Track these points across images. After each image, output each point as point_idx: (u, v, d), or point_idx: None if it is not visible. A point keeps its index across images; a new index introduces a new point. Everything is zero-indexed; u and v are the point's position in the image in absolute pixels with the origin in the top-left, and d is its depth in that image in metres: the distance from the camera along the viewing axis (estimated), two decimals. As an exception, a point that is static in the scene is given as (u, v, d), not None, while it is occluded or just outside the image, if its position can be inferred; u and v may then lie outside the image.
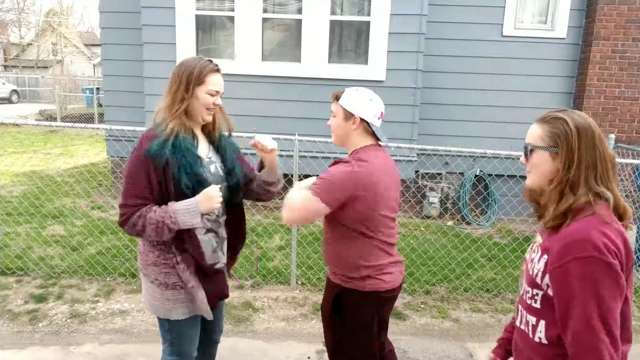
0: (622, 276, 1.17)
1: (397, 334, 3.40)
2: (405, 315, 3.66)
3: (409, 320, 3.60)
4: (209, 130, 2.00)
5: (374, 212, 1.88)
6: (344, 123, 1.93)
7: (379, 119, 1.95)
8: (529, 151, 1.36)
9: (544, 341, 1.32)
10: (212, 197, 1.80)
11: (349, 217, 1.88)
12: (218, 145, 2.01)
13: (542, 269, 1.30)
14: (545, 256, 1.29)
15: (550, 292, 1.27)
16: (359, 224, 1.89)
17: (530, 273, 1.35)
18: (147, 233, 1.79)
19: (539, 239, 1.42)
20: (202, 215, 1.83)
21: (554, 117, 1.32)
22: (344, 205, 1.85)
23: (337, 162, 1.92)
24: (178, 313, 1.94)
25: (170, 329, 1.99)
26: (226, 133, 2.07)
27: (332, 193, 1.81)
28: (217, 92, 1.89)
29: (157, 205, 1.81)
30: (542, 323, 1.32)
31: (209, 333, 2.23)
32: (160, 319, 2.00)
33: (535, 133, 1.35)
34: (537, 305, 1.33)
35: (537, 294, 1.32)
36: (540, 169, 1.34)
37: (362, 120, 1.90)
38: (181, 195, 1.80)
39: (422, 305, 3.84)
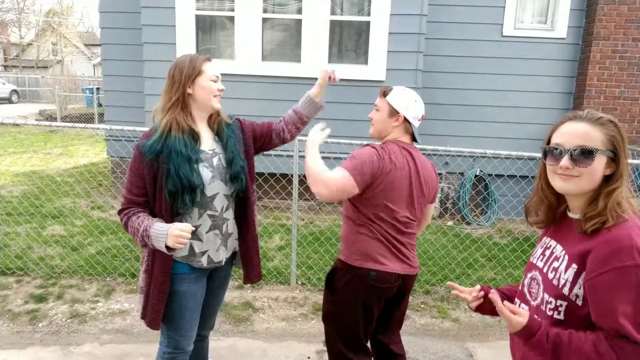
0: None
1: (397, 334, 3.41)
2: (406, 315, 3.66)
3: (409, 320, 3.60)
4: (213, 121, 2.01)
5: (386, 201, 1.94)
6: (387, 119, 2.01)
7: (418, 120, 2.05)
8: (595, 154, 1.23)
9: None
10: (174, 235, 1.70)
11: (363, 200, 1.95)
12: (221, 136, 2.01)
13: (571, 279, 1.24)
14: (575, 265, 1.23)
15: (578, 302, 1.22)
16: (370, 209, 1.96)
17: (555, 283, 1.28)
18: (128, 231, 1.87)
19: (553, 244, 1.36)
20: (168, 247, 1.74)
21: (609, 120, 1.26)
22: (366, 188, 1.92)
23: (365, 145, 2.00)
24: None
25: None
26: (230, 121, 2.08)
27: (363, 174, 1.88)
28: (218, 77, 1.93)
29: (146, 212, 1.86)
30: None
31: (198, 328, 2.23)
32: None
33: (594, 135, 1.24)
34: (561, 317, 1.26)
35: (561, 305, 1.26)
36: (596, 175, 1.25)
37: (405, 119, 2.00)
38: (168, 197, 1.83)
39: (422, 305, 3.84)
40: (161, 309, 1.93)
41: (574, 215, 1.34)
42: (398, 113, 1.98)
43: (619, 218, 1.21)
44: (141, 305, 2.00)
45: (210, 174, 1.90)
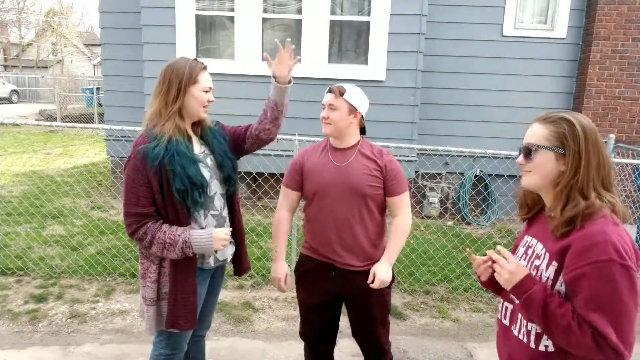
0: (637, 278, 1.17)
1: (397, 333, 3.40)
2: (405, 315, 3.66)
3: (409, 320, 3.60)
4: (197, 126, 2.04)
5: None
6: (347, 117, 2.08)
7: (365, 114, 2.20)
8: (533, 151, 1.32)
9: (551, 349, 1.29)
10: (220, 239, 1.87)
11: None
12: (206, 139, 2.05)
13: (552, 277, 1.27)
14: (555, 263, 1.26)
15: (561, 299, 1.24)
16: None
17: None
18: (152, 250, 1.83)
19: (534, 243, 1.38)
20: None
21: (560, 118, 1.30)
22: None
23: (385, 156, 2.15)
24: None
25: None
26: (212, 124, 2.10)
27: None
28: (210, 88, 1.95)
29: (166, 224, 1.84)
30: None
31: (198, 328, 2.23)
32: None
33: (539, 133, 1.32)
34: None
35: None
36: (543, 170, 1.31)
37: (361, 115, 2.13)
38: (177, 196, 1.82)
39: (422, 305, 3.84)
40: (197, 310, 1.96)
41: (549, 213, 1.38)
42: (356, 110, 2.08)
43: (595, 215, 1.23)
44: (155, 314, 1.93)
45: (208, 173, 1.94)
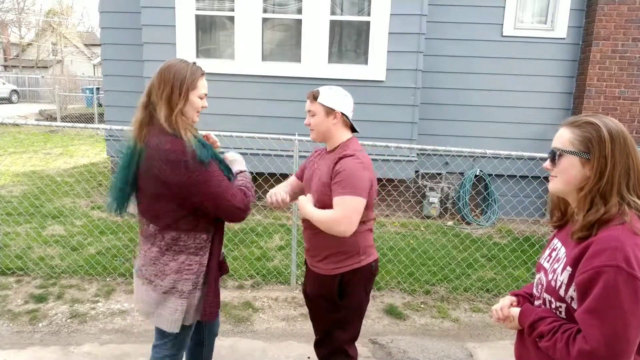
0: None
1: (397, 333, 3.40)
2: (405, 315, 3.66)
3: (409, 320, 3.60)
4: None
5: (372, 198, 2.05)
6: (325, 119, 2.05)
7: (351, 112, 2.11)
8: (557, 156, 1.30)
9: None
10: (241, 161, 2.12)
11: None
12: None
13: (565, 281, 1.25)
14: (569, 268, 1.24)
15: (574, 305, 1.23)
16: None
17: (553, 285, 1.30)
18: (251, 191, 1.99)
19: (559, 246, 1.37)
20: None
21: (586, 122, 1.26)
22: None
23: (341, 158, 1.98)
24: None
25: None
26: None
27: (365, 188, 1.94)
28: (205, 94, 1.96)
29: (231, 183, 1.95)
30: None
31: (211, 327, 2.30)
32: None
33: (564, 137, 1.29)
34: (562, 316, 1.29)
35: (560, 307, 1.28)
36: (568, 175, 1.28)
37: (342, 114, 2.05)
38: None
39: (422, 305, 3.84)
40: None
41: (575, 218, 1.36)
42: (334, 110, 2.03)
43: (614, 221, 1.20)
44: (187, 307, 1.94)
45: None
